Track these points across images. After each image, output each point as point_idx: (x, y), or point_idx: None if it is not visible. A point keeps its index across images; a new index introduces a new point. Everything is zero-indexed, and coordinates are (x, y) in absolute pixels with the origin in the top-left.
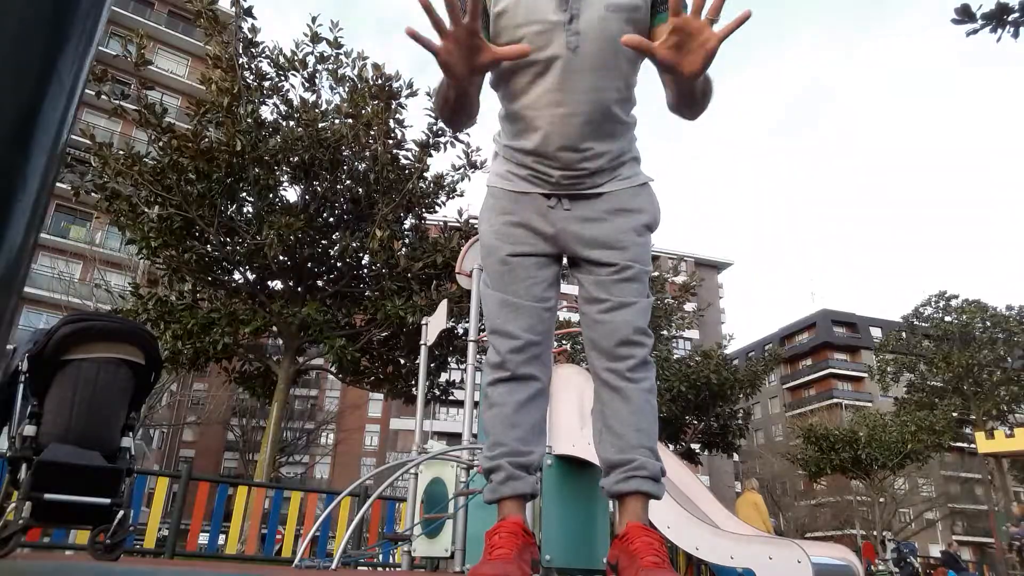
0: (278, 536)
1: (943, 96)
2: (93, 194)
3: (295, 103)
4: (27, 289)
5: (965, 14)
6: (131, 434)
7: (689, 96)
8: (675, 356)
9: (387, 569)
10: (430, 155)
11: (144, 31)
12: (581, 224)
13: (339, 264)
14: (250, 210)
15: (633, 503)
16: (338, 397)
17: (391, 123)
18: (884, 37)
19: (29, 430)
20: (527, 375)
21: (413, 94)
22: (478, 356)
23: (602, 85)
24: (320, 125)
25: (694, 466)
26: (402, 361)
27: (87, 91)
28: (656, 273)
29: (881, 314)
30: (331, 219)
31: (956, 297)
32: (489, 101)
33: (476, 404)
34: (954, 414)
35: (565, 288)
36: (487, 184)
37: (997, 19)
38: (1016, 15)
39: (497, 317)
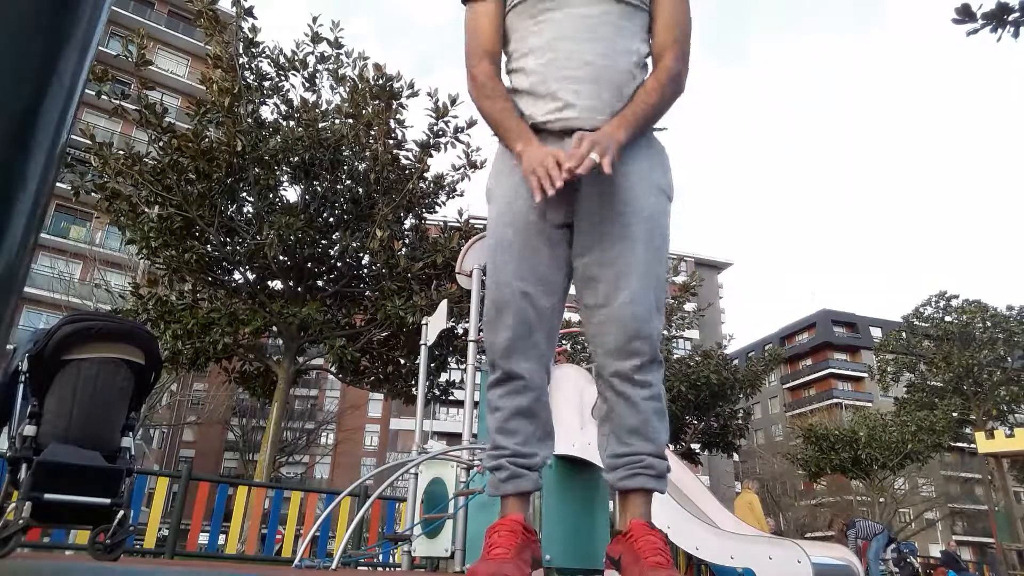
0: (278, 536)
1: (944, 95)
2: (93, 194)
3: (295, 103)
4: (27, 289)
5: (965, 14)
6: (131, 434)
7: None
8: (675, 356)
9: (387, 569)
10: (430, 155)
11: (144, 31)
12: (595, 192)
13: (339, 264)
14: (250, 210)
15: (636, 499)
16: (338, 397)
17: (392, 123)
18: (884, 35)
19: (29, 430)
20: (526, 375)
21: (414, 94)
22: (478, 356)
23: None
24: (320, 125)
25: (694, 466)
26: (402, 361)
27: (87, 91)
28: None
29: (881, 314)
30: (331, 219)
31: (956, 297)
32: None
33: (476, 404)
34: (954, 414)
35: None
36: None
37: (997, 19)
38: (1016, 15)
39: (494, 310)
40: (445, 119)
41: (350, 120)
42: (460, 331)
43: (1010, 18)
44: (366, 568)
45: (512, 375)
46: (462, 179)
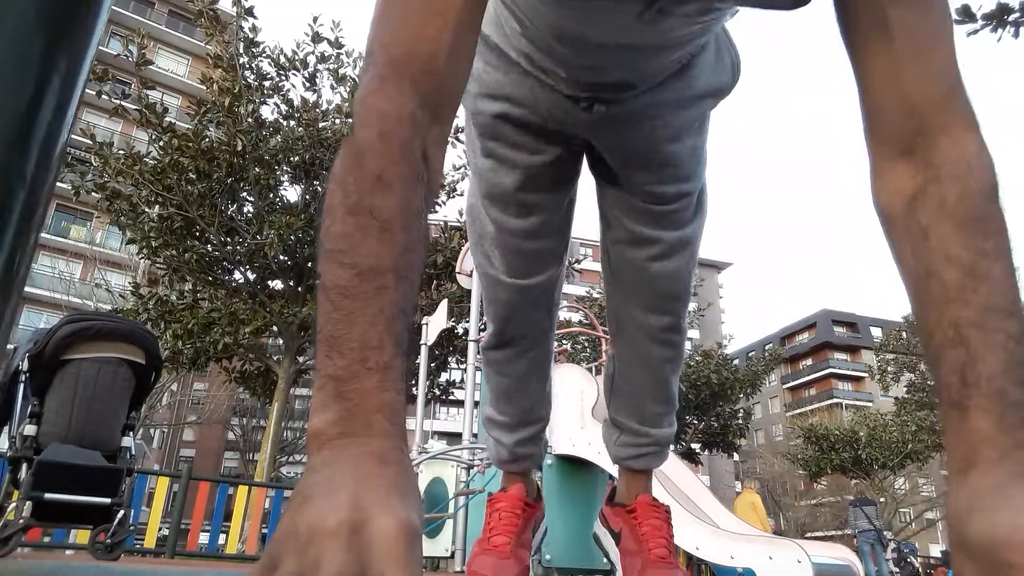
0: None
1: None
2: (93, 194)
3: (296, 103)
4: (27, 289)
5: (965, 14)
6: (131, 434)
7: None
8: None
9: None
10: None
11: (144, 31)
12: (619, 129)
13: None
14: (250, 210)
15: (640, 474)
16: None
17: None
18: None
19: (30, 430)
20: (531, 335)
21: None
22: (478, 356)
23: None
24: (321, 125)
25: (694, 466)
26: None
27: (87, 91)
28: None
29: (881, 314)
30: None
31: None
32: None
33: (476, 404)
34: None
35: (566, 289)
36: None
37: (997, 19)
38: (1016, 15)
39: (492, 249)
40: None
41: (350, 120)
42: (460, 331)
43: (1010, 18)
44: None
45: (516, 338)
46: (462, 179)
